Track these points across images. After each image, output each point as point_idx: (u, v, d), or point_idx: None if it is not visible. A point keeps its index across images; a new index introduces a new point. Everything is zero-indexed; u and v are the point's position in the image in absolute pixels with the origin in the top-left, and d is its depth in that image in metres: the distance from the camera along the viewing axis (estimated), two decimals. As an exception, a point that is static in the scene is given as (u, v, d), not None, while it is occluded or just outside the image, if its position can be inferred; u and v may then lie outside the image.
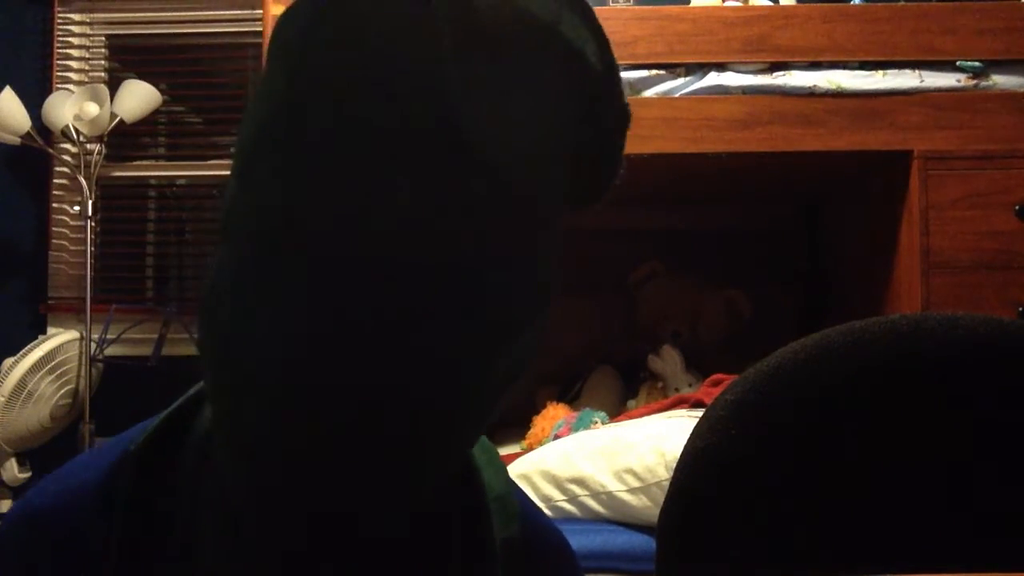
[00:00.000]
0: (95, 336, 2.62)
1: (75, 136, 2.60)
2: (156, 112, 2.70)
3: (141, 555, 0.53)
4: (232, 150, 0.48)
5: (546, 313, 0.49)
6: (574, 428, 1.79)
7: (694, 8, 2.06)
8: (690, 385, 2.06)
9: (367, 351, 0.43)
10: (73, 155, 2.76)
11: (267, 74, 0.47)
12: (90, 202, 2.63)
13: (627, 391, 2.22)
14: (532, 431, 1.95)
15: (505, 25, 0.44)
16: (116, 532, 0.52)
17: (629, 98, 1.94)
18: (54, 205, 2.92)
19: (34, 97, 2.75)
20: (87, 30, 2.98)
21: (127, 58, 3.04)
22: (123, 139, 2.89)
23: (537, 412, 2.02)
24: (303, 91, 0.44)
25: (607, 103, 0.49)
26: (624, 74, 1.92)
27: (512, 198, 0.45)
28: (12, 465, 2.56)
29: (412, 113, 0.42)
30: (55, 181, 2.92)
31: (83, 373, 2.59)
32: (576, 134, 0.48)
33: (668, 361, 2.11)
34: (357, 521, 0.47)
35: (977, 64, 1.90)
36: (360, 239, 0.42)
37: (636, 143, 2.08)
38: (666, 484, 0.76)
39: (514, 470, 1.61)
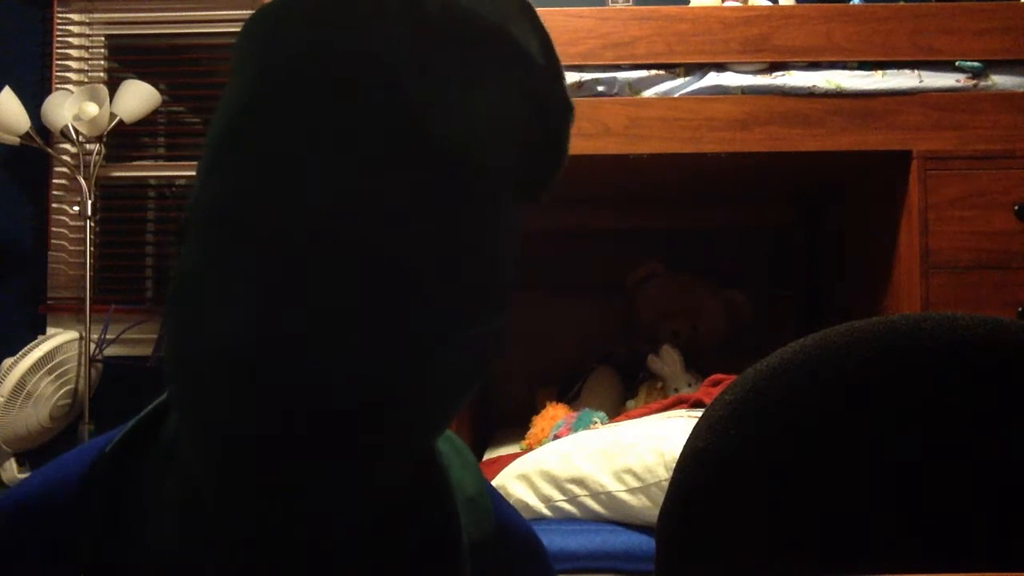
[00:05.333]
0: (94, 336, 2.62)
1: (74, 136, 2.60)
2: (155, 112, 2.70)
3: (115, 549, 0.54)
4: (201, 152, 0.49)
5: (506, 310, 0.50)
6: (573, 428, 1.80)
7: (694, 8, 2.06)
8: (690, 385, 2.06)
9: (325, 340, 0.44)
10: (72, 155, 2.76)
11: (233, 76, 0.49)
12: (89, 202, 2.62)
13: (627, 391, 2.22)
14: (532, 431, 1.95)
15: (455, 26, 0.46)
16: (90, 527, 0.54)
17: (628, 98, 1.92)
18: (53, 205, 2.92)
19: (33, 97, 2.75)
20: (86, 30, 2.98)
21: (126, 58, 3.04)
22: (122, 139, 2.89)
23: (537, 412, 2.03)
24: (264, 90, 0.46)
25: (552, 99, 0.51)
26: (624, 74, 1.92)
27: (467, 191, 0.46)
28: (12, 465, 2.56)
29: (370, 109, 0.44)
30: (54, 181, 2.92)
31: (82, 373, 2.59)
32: (524, 130, 0.50)
33: (668, 361, 2.11)
34: (318, 518, 0.48)
35: (976, 64, 1.91)
36: (319, 231, 0.44)
37: (636, 143, 2.07)
38: (665, 484, 0.76)
39: (514, 470, 1.61)
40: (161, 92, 2.69)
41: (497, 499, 0.64)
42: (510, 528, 0.63)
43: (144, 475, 0.55)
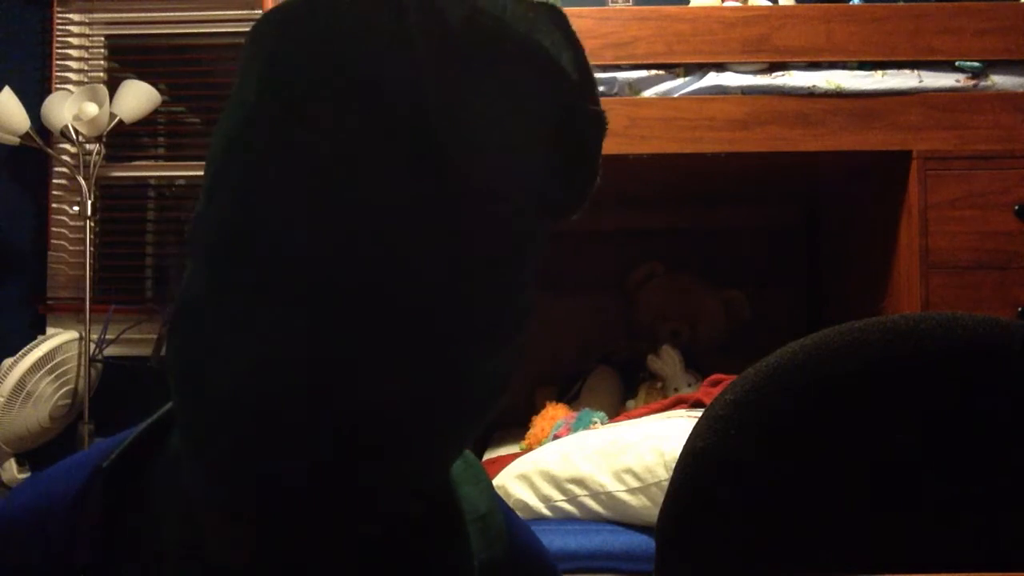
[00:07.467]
0: (94, 336, 2.62)
1: (74, 136, 2.60)
2: (155, 112, 2.70)
3: (108, 570, 0.52)
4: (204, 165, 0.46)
5: (525, 332, 0.48)
6: (573, 428, 1.79)
7: (694, 8, 2.06)
8: (689, 385, 2.06)
9: (335, 373, 0.41)
10: (72, 155, 2.76)
11: (238, 85, 0.45)
12: (89, 202, 2.63)
13: (626, 391, 2.22)
14: (532, 431, 1.95)
15: (480, 35, 0.43)
16: (84, 546, 0.52)
17: (628, 98, 1.92)
18: (53, 205, 2.92)
19: (33, 97, 2.75)
20: (86, 30, 2.98)
21: (126, 58, 3.04)
22: (122, 139, 2.89)
23: (537, 412, 2.02)
24: (273, 103, 0.42)
25: (584, 111, 0.48)
26: (624, 74, 1.93)
27: (492, 212, 0.43)
28: (11, 465, 2.56)
29: (388, 126, 0.41)
30: (54, 181, 2.92)
31: (82, 373, 2.59)
32: (554, 143, 0.46)
33: (667, 361, 2.11)
34: (326, 547, 0.46)
35: (976, 64, 1.91)
36: (330, 257, 0.41)
37: (636, 143, 2.07)
38: (665, 484, 0.76)
39: (513, 470, 1.61)
40: (161, 92, 2.69)
41: (510, 517, 0.62)
42: (522, 548, 0.61)
43: (144, 493, 0.53)
